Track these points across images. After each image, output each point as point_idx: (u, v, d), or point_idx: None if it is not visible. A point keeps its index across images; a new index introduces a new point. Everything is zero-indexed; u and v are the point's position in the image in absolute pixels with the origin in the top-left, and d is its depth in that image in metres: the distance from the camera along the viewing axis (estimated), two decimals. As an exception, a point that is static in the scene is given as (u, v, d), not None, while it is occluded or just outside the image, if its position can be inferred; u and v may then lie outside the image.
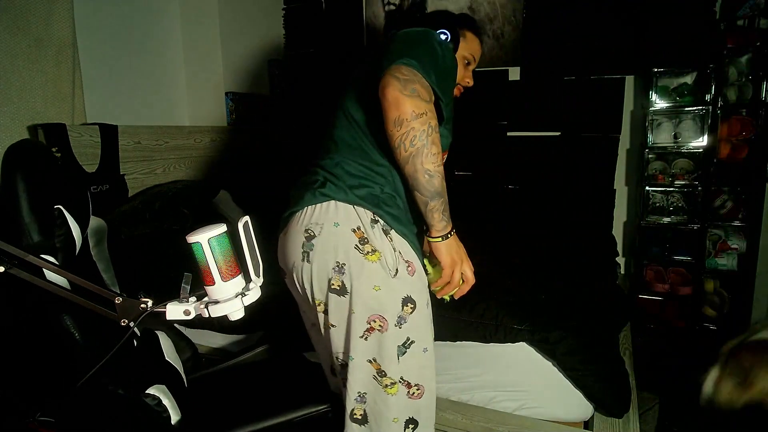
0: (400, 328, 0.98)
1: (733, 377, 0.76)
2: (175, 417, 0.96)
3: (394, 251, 0.97)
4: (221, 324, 1.74)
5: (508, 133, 2.75)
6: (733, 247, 2.29)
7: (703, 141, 2.25)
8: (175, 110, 2.65)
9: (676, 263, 2.36)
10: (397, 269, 0.97)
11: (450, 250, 0.96)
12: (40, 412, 0.88)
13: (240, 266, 0.78)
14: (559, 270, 1.84)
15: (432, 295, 1.06)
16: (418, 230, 1.03)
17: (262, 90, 3.00)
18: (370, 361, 0.99)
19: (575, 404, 1.45)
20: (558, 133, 2.64)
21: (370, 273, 0.95)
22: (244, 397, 1.22)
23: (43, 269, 0.80)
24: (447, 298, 1.04)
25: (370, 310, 0.97)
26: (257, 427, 1.09)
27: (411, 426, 1.03)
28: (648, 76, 2.31)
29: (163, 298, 0.80)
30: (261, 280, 0.81)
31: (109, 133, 1.98)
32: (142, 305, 0.80)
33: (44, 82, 1.76)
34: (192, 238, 0.73)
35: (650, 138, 2.32)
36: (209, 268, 0.74)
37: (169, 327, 1.37)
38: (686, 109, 2.27)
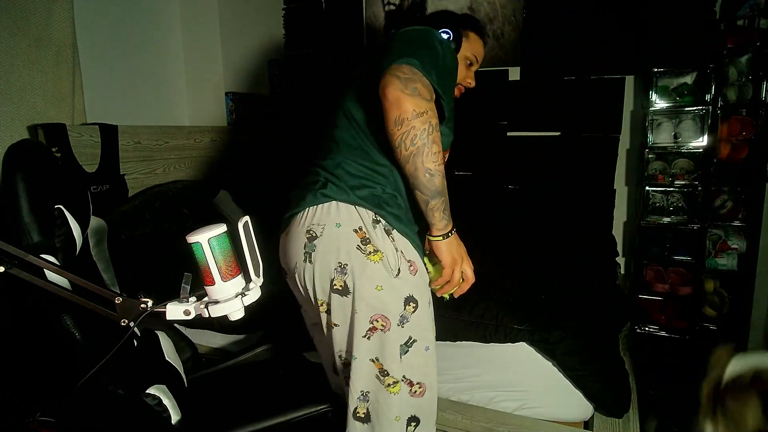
0: (402, 327, 0.99)
1: (728, 428, 0.76)
2: (175, 417, 0.96)
3: (396, 251, 0.98)
4: (221, 324, 1.74)
5: (508, 133, 2.75)
6: (733, 247, 2.29)
7: (703, 141, 2.25)
8: (175, 110, 2.64)
9: (676, 263, 2.36)
10: (399, 269, 0.97)
11: (450, 248, 0.96)
12: (40, 412, 0.88)
13: (240, 266, 0.79)
14: (559, 270, 1.84)
15: (432, 293, 1.06)
16: (419, 229, 1.03)
17: (262, 90, 3.00)
18: (372, 361, 1.00)
19: (575, 404, 1.45)
20: (558, 133, 2.64)
21: (372, 273, 0.96)
22: (244, 397, 1.23)
23: (44, 269, 0.80)
24: (447, 296, 1.05)
25: (373, 310, 0.97)
26: (257, 427, 1.09)
27: (413, 424, 1.04)
28: (648, 76, 2.31)
29: (163, 298, 0.80)
30: (261, 280, 0.81)
31: (109, 133, 1.98)
32: (142, 305, 0.80)
33: (44, 82, 1.76)
34: (192, 238, 0.73)
35: (650, 138, 2.32)
36: (209, 268, 0.74)
37: (169, 327, 1.37)
38: (686, 109, 2.27)
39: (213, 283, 0.75)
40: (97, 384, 0.85)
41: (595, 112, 2.54)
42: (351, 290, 0.97)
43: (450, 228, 0.96)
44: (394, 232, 0.99)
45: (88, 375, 0.81)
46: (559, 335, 1.39)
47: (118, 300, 0.79)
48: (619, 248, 2.58)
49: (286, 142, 3.11)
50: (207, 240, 0.73)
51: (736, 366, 0.79)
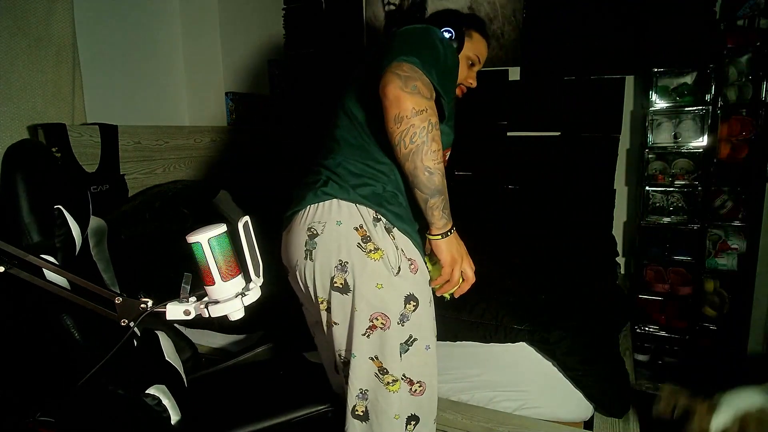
0: (402, 325, 0.99)
1: None
2: (175, 417, 0.96)
3: (397, 249, 0.98)
4: (221, 324, 1.74)
5: (508, 133, 2.75)
6: (733, 247, 2.29)
7: (703, 141, 2.25)
8: (175, 110, 2.64)
9: (676, 263, 2.36)
10: (399, 267, 0.97)
11: (450, 248, 0.96)
12: (40, 412, 0.88)
13: (240, 266, 0.79)
14: (559, 270, 1.84)
15: (433, 292, 1.06)
16: (420, 227, 1.03)
17: (262, 90, 3.00)
18: (372, 359, 1.00)
19: (575, 404, 1.45)
20: (558, 133, 2.64)
21: (372, 271, 0.96)
22: (244, 397, 1.23)
23: (43, 269, 0.80)
24: (447, 296, 1.05)
25: (373, 308, 0.97)
26: (257, 427, 1.09)
27: (413, 423, 1.04)
28: (648, 76, 2.30)
29: (163, 298, 0.80)
30: (261, 280, 0.81)
31: (109, 133, 1.98)
32: (142, 305, 0.80)
33: (44, 82, 1.76)
34: (192, 238, 0.73)
35: (650, 138, 2.32)
36: (209, 268, 0.74)
37: (169, 327, 1.37)
38: (686, 109, 2.27)
39: (213, 283, 0.75)
40: (97, 384, 0.85)
41: (595, 112, 2.54)
42: (351, 288, 0.97)
43: (450, 227, 0.96)
44: (395, 230, 0.99)
45: (88, 375, 0.81)
46: (559, 335, 1.39)
47: (118, 300, 0.79)
48: (619, 248, 2.58)
49: (286, 142, 3.11)
50: (207, 240, 0.73)
51: (720, 420, 0.79)
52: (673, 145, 2.31)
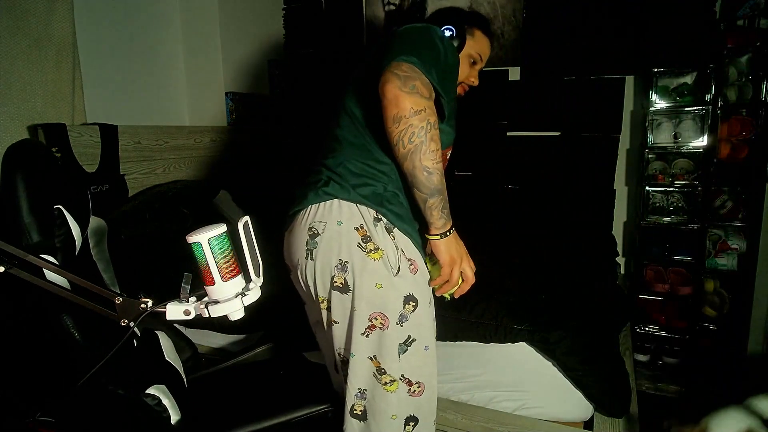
0: (401, 326, 0.99)
1: None
2: (175, 417, 0.96)
3: (397, 249, 0.98)
4: (221, 324, 1.74)
5: (508, 133, 2.74)
6: (733, 247, 2.29)
7: (703, 141, 2.25)
8: (175, 110, 2.64)
9: (676, 263, 2.36)
10: (399, 267, 0.97)
11: (449, 248, 0.96)
12: (40, 412, 0.88)
13: (240, 266, 0.79)
14: (559, 270, 1.84)
15: (433, 292, 1.06)
16: (421, 227, 1.03)
17: (262, 90, 3.00)
18: (370, 358, 1.00)
19: (575, 404, 1.45)
20: (558, 133, 2.64)
21: (372, 271, 0.96)
22: (244, 397, 1.23)
23: (44, 269, 0.80)
24: (447, 296, 1.05)
25: (372, 308, 0.97)
26: (257, 427, 1.09)
27: (412, 423, 1.04)
28: (648, 76, 2.30)
29: (163, 298, 0.80)
30: (261, 280, 0.81)
31: (109, 133, 1.98)
32: (142, 305, 0.80)
33: (44, 82, 1.76)
34: (192, 238, 0.73)
35: (650, 138, 2.32)
36: (209, 268, 0.74)
37: (169, 327, 1.37)
38: (686, 109, 2.26)
39: (213, 283, 0.75)
40: (97, 384, 0.85)
41: (595, 112, 2.54)
42: (351, 288, 0.97)
43: (449, 227, 0.96)
44: (395, 230, 0.99)
45: (88, 375, 0.81)
46: (559, 335, 1.39)
47: (118, 300, 0.79)
48: (619, 248, 2.58)
49: (286, 142, 3.11)
50: (207, 240, 0.73)
51: None
52: (673, 145, 2.31)
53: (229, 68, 2.71)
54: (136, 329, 0.84)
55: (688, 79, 2.30)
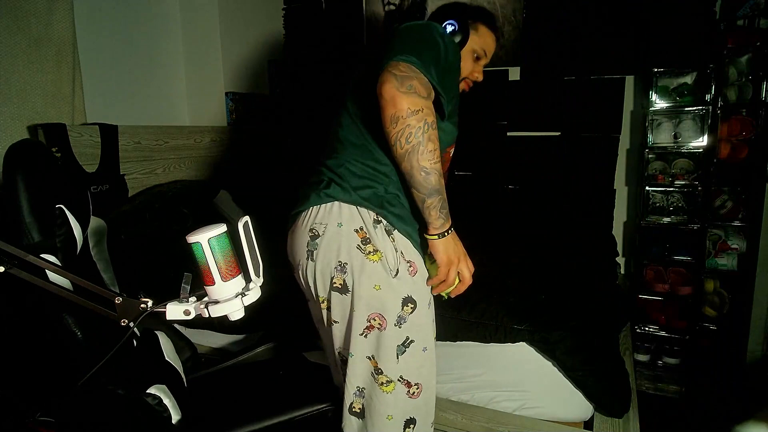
0: (399, 327, 0.99)
1: None
2: (175, 417, 0.96)
3: (396, 251, 0.98)
4: (221, 324, 1.74)
5: (508, 133, 2.74)
6: (733, 247, 2.29)
7: (703, 141, 2.25)
8: (175, 110, 2.64)
9: (676, 263, 2.36)
10: (397, 270, 0.98)
11: (447, 248, 0.96)
12: (40, 412, 0.88)
13: (240, 266, 0.79)
14: (559, 270, 1.83)
15: (430, 290, 1.06)
16: (421, 227, 1.03)
17: (262, 90, 3.00)
18: (368, 358, 1.01)
19: (575, 404, 1.45)
20: (558, 133, 2.64)
21: (371, 272, 0.97)
22: (244, 397, 1.23)
23: (44, 269, 0.80)
24: (444, 295, 1.05)
25: (371, 309, 0.98)
26: (257, 426, 1.09)
27: (411, 426, 1.04)
28: (648, 76, 2.30)
29: (163, 298, 0.80)
30: (261, 280, 0.81)
31: (109, 133, 1.98)
32: (142, 305, 0.80)
33: (44, 82, 1.76)
34: (192, 238, 0.73)
35: (650, 138, 2.32)
36: (209, 268, 0.74)
37: (169, 327, 1.37)
38: (686, 109, 2.26)
39: (213, 283, 0.75)
40: (97, 384, 0.85)
41: (595, 112, 2.54)
42: (350, 289, 0.98)
43: (447, 227, 0.96)
44: (395, 232, 0.99)
45: (88, 375, 0.81)
46: (559, 335, 1.39)
47: (118, 300, 0.79)
48: (619, 248, 2.57)
49: (286, 142, 3.11)
50: (207, 240, 0.73)
51: None
52: (673, 145, 2.31)
53: (229, 68, 2.71)
54: (135, 329, 0.84)
55: (688, 79, 2.30)
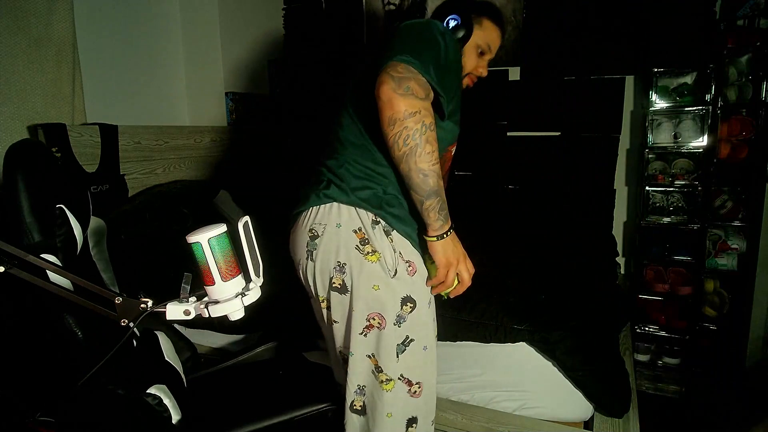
0: (399, 326, 0.99)
1: None
2: (175, 417, 0.96)
3: (394, 252, 0.98)
4: (221, 324, 1.74)
5: (508, 133, 2.74)
6: (733, 247, 2.29)
7: (703, 141, 2.25)
8: (175, 110, 2.64)
9: (676, 263, 2.36)
10: (396, 270, 0.98)
11: (445, 250, 0.96)
12: (40, 412, 0.88)
13: (240, 266, 0.79)
14: (559, 270, 1.83)
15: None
16: (420, 227, 1.03)
17: (262, 90, 3.00)
18: (369, 356, 1.01)
19: (575, 404, 1.45)
20: (558, 133, 2.64)
21: (369, 273, 0.97)
22: (244, 397, 1.23)
23: (44, 269, 0.80)
24: (444, 295, 1.05)
25: (370, 308, 0.98)
26: (257, 426, 1.09)
27: (414, 425, 1.05)
28: (648, 76, 2.30)
29: (163, 298, 0.80)
30: (261, 280, 0.81)
31: (109, 133, 1.98)
32: (142, 305, 0.80)
33: (44, 82, 1.76)
34: (192, 238, 0.73)
35: (650, 138, 2.32)
36: (209, 268, 0.74)
37: (168, 327, 1.37)
38: (686, 109, 2.26)
39: (213, 283, 0.75)
40: (97, 384, 0.85)
41: (595, 112, 2.54)
42: (349, 289, 0.98)
43: (446, 229, 0.95)
44: (394, 232, 0.99)
45: (88, 375, 0.81)
46: (559, 335, 1.39)
47: (118, 300, 0.79)
48: (619, 248, 2.57)
49: (286, 142, 3.11)
50: (207, 240, 0.73)
51: None
52: (673, 145, 2.31)
53: (229, 68, 2.71)
54: (135, 329, 0.84)
55: (688, 79, 2.30)
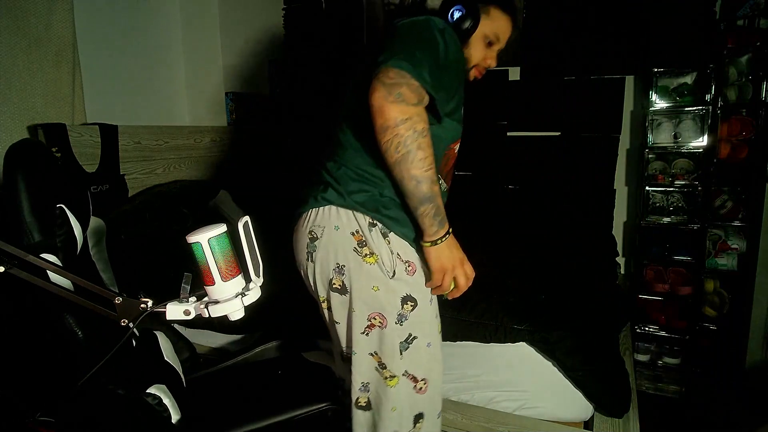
0: (401, 325, 1.00)
1: None
2: (175, 416, 0.96)
3: (392, 254, 0.98)
4: (221, 324, 1.74)
5: (508, 133, 2.74)
6: (733, 247, 2.29)
7: (703, 141, 2.25)
8: (175, 110, 2.64)
9: (676, 263, 2.36)
10: (394, 271, 0.98)
11: (440, 256, 0.96)
12: (40, 412, 0.88)
13: (240, 266, 0.79)
14: (559, 270, 1.83)
15: None
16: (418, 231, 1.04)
17: (262, 90, 3.00)
18: (371, 354, 1.02)
19: (575, 404, 1.45)
20: (558, 133, 2.64)
21: (368, 274, 0.98)
22: (243, 396, 1.23)
23: (45, 269, 0.80)
24: (444, 295, 1.05)
25: (370, 309, 0.99)
26: (257, 425, 1.10)
27: (421, 420, 1.06)
28: (648, 76, 2.30)
29: (163, 298, 0.80)
30: (261, 280, 0.81)
31: (109, 133, 1.98)
32: (142, 305, 0.80)
33: (44, 82, 1.76)
34: (192, 238, 0.73)
35: (650, 138, 2.32)
36: (209, 268, 0.74)
37: (168, 327, 1.37)
38: (686, 109, 2.26)
39: (213, 283, 0.75)
40: (97, 384, 0.85)
41: (595, 112, 2.54)
42: (348, 290, 0.99)
43: (441, 234, 0.94)
44: (391, 234, 0.99)
45: (88, 375, 0.81)
46: (559, 335, 1.39)
47: (118, 300, 0.79)
48: (619, 248, 2.57)
49: (286, 142, 3.11)
50: (207, 240, 0.73)
51: None
52: (673, 145, 2.31)
53: (229, 68, 2.71)
54: (135, 329, 0.84)
55: (688, 79, 2.30)
